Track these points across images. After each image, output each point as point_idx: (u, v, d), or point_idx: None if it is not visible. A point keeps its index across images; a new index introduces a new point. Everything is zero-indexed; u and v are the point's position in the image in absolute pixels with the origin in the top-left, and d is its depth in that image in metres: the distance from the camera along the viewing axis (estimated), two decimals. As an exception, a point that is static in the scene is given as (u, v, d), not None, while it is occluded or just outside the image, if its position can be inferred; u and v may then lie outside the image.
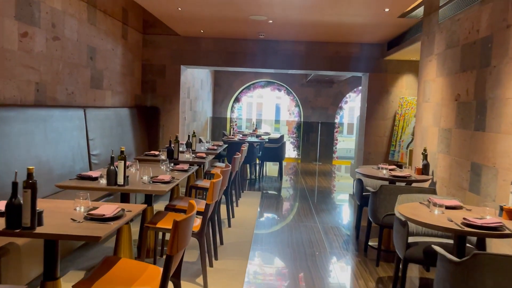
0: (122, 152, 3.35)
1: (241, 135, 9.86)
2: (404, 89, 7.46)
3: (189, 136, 6.38)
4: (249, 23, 6.39)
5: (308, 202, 7.00)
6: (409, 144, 7.07)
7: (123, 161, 3.31)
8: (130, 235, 3.42)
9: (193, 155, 5.50)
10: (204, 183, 5.36)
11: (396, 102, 7.45)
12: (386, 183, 4.75)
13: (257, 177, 9.02)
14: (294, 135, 13.47)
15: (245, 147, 6.64)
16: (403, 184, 4.68)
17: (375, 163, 7.48)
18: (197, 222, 3.57)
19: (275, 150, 8.95)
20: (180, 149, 6.07)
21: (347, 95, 13.04)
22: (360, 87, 13.11)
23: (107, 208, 2.49)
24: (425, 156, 4.74)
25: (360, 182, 5.03)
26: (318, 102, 12.92)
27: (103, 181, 3.42)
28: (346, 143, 15.60)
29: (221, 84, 12.98)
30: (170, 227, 3.35)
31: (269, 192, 7.85)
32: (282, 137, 10.86)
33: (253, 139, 9.10)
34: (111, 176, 3.31)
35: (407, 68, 7.44)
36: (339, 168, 12.37)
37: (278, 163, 9.24)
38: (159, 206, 5.76)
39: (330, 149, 12.92)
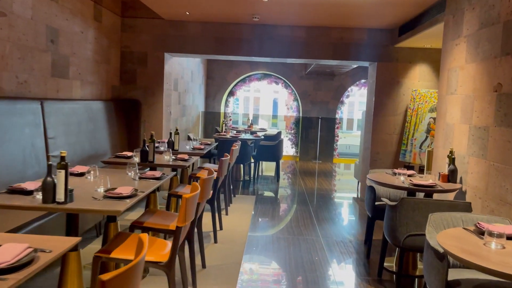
0: (62, 158, 2.52)
1: (234, 132, 9.01)
2: (417, 80, 6.61)
3: (170, 133, 5.53)
4: (241, 2, 5.51)
5: (308, 208, 6.18)
6: (423, 143, 6.24)
7: (63, 170, 2.49)
8: (80, 266, 2.59)
9: (173, 157, 4.65)
10: (186, 190, 4.51)
11: (408, 95, 6.60)
12: (403, 192, 3.93)
13: (252, 178, 8.18)
14: (292, 131, 12.64)
15: (236, 146, 5.79)
16: (422, 194, 3.86)
17: (384, 165, 6.65)
18: (166, 248, 2.76)
19: (272, 148, 8.11)
20: (162, 148, 5.23)
21: (349, 89, 12.19)
22: (363, 80, 12.27)
23: (7, 252, 1.61)
24: (451, 160, 3.91)
25: (371, 190, 4.20)
26: (318, 96, 12.07)
27: (39, 197, 2.58)
28: (346, 139, 14.77)
29: (214, 77, 12.10)
30: (127, 257, 2.57)
31: (265, 195, 7.01)
32: (279, 133, 10.01)
33: (247, 136, 8.25)
34: (48, 191, 2.49)
35: (420, 57, 6.59)
36: (339, 166, 11.55)
37: (275, 162, 8.40)
38: (137, 214, 4.91)
39: (331, 146, 12.09)
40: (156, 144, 5.15)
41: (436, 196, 3.90)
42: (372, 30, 6.61)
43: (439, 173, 3.97)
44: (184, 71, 9.16)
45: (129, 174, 3.42)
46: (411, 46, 6.48)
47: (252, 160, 8.30)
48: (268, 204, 6.38)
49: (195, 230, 3.50)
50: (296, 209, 6.16)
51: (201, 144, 6.26)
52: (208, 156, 8.01)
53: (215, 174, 4.09)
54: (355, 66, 10.70)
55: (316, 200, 6.76)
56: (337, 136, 12.36)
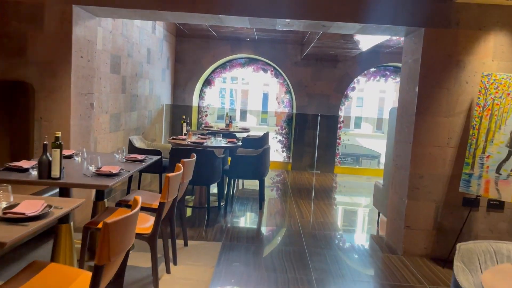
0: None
1: (202, 134, 6.42)
2: (490, 59, 4.05)
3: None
4: None
5: (307, 270, 3.63)
6: (503, 163, 3.70)
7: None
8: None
9: (93, 170, 2.09)
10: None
11: (475, 83, 4.05)
12: None
13: (222, 205, 5.60)
14: (283, 131, 10.07)
15: (187, 164, 3.30)
16: None
17: (431, 196, 4.12)
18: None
19: (253, 161, 5.50)
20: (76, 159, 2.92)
21: (355, 79, 9.63)
22: (372, 70, 9.71)
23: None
24: None
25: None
26: (316, 88, 9.50)
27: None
28: (351, 139, 12.30)
29: (184, 60, 9.46)
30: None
31: (238, 237, 4.44)
32: (265, 136, 7.44)
33: (218, 142, 5.65)
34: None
35: (497, 20, 4.03)
36: (343, 179, 9.01)
37: (258, 180, 5.80)
38: None
39: (332, 151, 9.54)
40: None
41: None
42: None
43: None
44: (132, 47, 6.52)
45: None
46: (482, 1, 3.92)
47: (231, 176, 5.70)
48: (240, 261, 3.80)
49: None
50: (288, 274, 3.60)
51: (130, 158, 3.69)
52: (159, 171, 5.41)
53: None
54: (372, 46, 8.14)
55: (318, 251, 4.21)
56: (339, 139, 9.82)
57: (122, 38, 6.04)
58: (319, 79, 9.45)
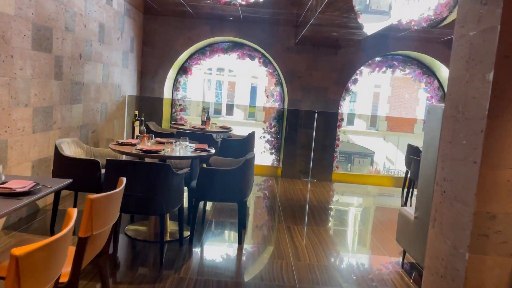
0: None
1: (157, 140, 4.84)
2: None
3: None
4: None
5: None
6: None
7: None
8: None
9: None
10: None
11: None
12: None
13: (186, 238, 4.03)
14: (272, 130, 8.53)
15: (105, 201, 1.72)
16: None
17: (505, 250, 2.60)
18: None
19: (229, 177, 3.91)
20: None
21: (358, 70, 8.10)
22: (378, 59, 8.21)
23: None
24: None
25: None
26: (313, 79, 7.95)
27: None
28: (343, 137, 10.84)
29: (154, 43, 7.82)
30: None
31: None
32: (250, 138, 5.92)
33: (184, 150, 4.05)
34: None
35: None
36: (343, 190, 7.52)
37: (236, 203, 4.21)
38: None
39: (329, 154, 8.03)
40: None
41: None
42: None
43: None
44: (73, 19, 4.87)
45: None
46: None
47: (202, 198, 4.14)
48: None
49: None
50: None
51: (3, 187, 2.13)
52: (96, 188, 3.80)
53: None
54: (378, 29, 6.63)
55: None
56: (338, 139, 8.32)
57: (54, 4, 4.40)
58: (316, 69, 7.91)
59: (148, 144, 3.95)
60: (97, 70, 5.68)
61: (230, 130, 6.46)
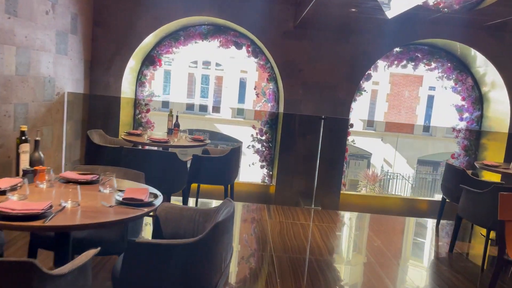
0: None
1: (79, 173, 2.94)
2: None
3: None
4: None
5: None
6: None
7: None
8: None
9: None
10: None
11: None
12: None
13: None
14: (263, 137, 6.72)
15: None
16: None
17: None
18: None
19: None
20: None
21: (375, 64, 6.30)
22: (397, 50, 6.43)
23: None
24: None
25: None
26: (317, 73, 6.13)
27: None
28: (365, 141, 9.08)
29: (108, 23, 5.92)
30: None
31: None
32: (233, 156, 4.13)
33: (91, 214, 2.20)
34: None
35: None
36: (355, 219, 5.74)
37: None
38: None
39: (337, 172, 6.24)
40: None
41: None
42: None
43: None
44: None
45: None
46: None
47: None
48: None
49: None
50: None
51: None
52: None
53: None
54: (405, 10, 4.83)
55: None
56: (347, 151, 6.53)
57: None
58: (321, 60, 6.09)
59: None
60: (3, 56, 3.79)
61: (205, 144, 4.61)
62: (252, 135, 6.78)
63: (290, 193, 6.24)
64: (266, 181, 6.69)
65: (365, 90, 6.65)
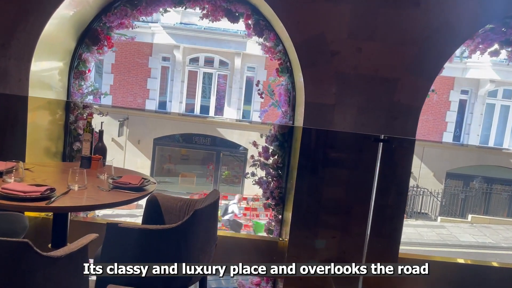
0: None
1: None
2: None
3: None
4: None
5: None
6: None
7: None
8: None
9: None
10: None
11: None
12: None
13: None
14: (269, 161, 4.21)
15: None
16: None
17: None
18: None
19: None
20: None
21: (469, 42, 3.77)
22: (489, 26, 3.85)
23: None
24: None
25: None
26: (363, 59, 3.60)
27: None
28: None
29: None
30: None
31: None
32: (202, 220, 1.60)
33: None
34: None
35: None
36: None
37: None
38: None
39: (397, 221, 3.71)
40: None
41: None
42: None
43: None
44: None
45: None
46: None
47: None
48: None
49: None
50: None
51: None
52: None
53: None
54: None
55: None
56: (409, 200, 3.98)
57: None
58: (371, 37, 3.56)
59: None
60: None
61: (145, 195, 2.12)
62: (252, 156, 4.31)
63: (314, 258, 3.74)
64: (274, 231, 4.21)
65: (432, 89, 4.14)
